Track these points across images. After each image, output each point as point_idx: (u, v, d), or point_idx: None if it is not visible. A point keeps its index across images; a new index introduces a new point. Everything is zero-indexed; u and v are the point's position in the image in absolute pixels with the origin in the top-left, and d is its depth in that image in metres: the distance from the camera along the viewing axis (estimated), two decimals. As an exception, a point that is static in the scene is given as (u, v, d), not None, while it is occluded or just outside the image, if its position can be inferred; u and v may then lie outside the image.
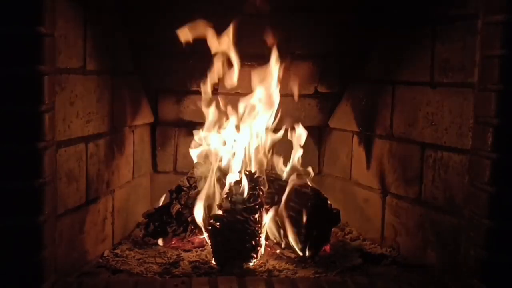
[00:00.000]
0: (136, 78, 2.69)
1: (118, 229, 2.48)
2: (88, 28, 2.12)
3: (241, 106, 2.58)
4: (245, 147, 2.54)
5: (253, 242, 2.24)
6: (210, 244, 2.26)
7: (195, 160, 2.62)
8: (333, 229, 2.44)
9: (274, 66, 2.56)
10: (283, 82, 2.68)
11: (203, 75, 2.61)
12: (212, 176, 2.47)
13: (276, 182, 2.51)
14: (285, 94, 2.75)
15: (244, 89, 2.65)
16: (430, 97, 2.26)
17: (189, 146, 2.69)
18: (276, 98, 2.58)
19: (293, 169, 2.54)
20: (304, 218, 2.29)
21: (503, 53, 1.88)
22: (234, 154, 2.53)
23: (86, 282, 1.99)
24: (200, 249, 2.42)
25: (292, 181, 2.42)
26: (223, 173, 2.50)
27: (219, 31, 2.47)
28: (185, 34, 2.43)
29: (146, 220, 2.53)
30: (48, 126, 1.81)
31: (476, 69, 2.01)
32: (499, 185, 1.91)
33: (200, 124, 2.66)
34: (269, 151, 2.59)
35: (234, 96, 2.67)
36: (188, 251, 2.40)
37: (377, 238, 2.57)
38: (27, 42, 1.74)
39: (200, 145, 2.63)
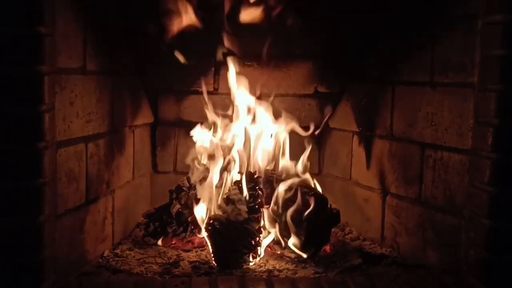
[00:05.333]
0: (136, 78, 2.69)
1: (118, 229, 2.48)
2: (88, 28, 2.12)
3: (240, 107, 2.58)
4: (245, 148, 2.54)
5: (253, 242, 2.24)
6: (209, 244, 2.26)
7: (203, 161, 2.58)
8: (333, 229, 2.44)
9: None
10: (283, 82, 2.66)
11: (203, 75, 2.61)
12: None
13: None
14: (285, 94, 2.76)
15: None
16: (430, 97, 2.26)
17: (189, 146, 2.68)
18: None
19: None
20: (304, 218, 2.29)
21: (503, 53, 1.89)
22: (235, 154, 2.53)
23: (86, 282, 1.99)
24: (200, 249, 2.42)
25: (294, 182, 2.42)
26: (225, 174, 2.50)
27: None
28: None
29: (146, 220, 2.54)
30: (48, 126, 1.81)
31: (476, 69, 2.01)
32: (499, 185, 1.91)
33: (200, 124, 2.65)
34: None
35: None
36: (188, 251, 2.41)
37: (377, 238, 2.57)
38: (27, 42, 1.74)
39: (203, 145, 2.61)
